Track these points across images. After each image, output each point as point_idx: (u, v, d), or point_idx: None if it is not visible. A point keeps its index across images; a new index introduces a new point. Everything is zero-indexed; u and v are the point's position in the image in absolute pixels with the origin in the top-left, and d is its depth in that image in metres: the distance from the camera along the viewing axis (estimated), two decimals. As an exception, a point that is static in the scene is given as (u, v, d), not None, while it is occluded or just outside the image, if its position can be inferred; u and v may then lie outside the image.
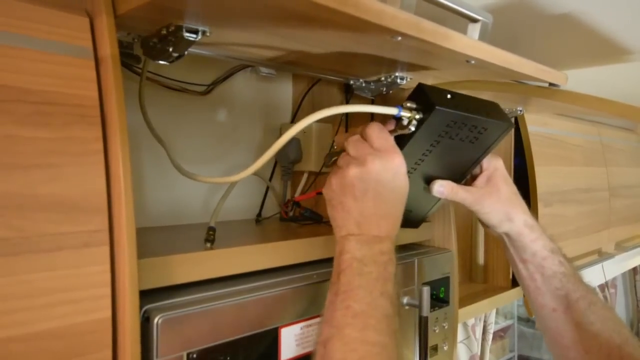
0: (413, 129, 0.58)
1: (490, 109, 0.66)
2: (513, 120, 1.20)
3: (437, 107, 0.56)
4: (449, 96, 0.60)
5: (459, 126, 0.61)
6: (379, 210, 0.56)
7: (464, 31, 0.61)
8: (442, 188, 0.68)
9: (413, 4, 0.52)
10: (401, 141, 0.60)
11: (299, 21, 0.46)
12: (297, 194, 0.94)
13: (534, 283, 0.69)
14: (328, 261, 0.65)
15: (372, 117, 0.88)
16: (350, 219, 0.55)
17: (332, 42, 0.56)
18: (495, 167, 0.70)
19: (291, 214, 0.80)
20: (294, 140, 0.92)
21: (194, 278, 0.51)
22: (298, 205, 0.79)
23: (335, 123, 0.94)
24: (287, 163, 0.92)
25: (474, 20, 0.62)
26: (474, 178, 0.71)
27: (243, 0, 0.41)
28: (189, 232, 0.72)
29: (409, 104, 0.58)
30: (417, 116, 0.58)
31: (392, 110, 0.58)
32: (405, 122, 0.58)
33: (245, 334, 0.51)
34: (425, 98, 0.58)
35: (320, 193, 0.78)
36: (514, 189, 0.71)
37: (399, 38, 0.49)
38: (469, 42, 0.55)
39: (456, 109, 0.59)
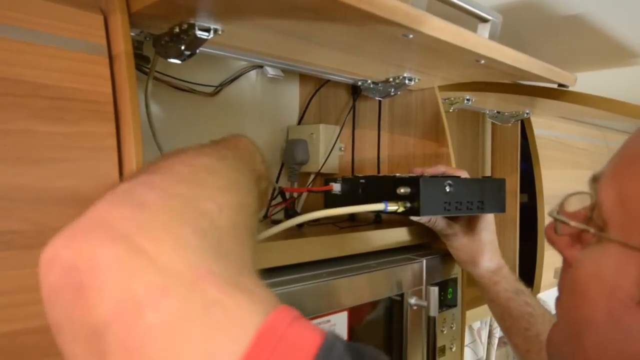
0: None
1: (490, 191, 0.67)
2: (519, 123, 1.20)
3: (421, 214, 0.59)
4: (447, 189, 0.61)
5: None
6: None
7: (473, 31, 0.61)
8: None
9: (424, 2, 0.52)
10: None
11: (311, 18, 0.46)
12: (303, 196, 0.94)
13: (504, 323, 0.70)
14: (338, 260, 0.65)
15: (380, 113, 0.89)
16: None
17: (342, 41, 0.57)
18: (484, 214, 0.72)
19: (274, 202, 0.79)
20: (301, 142, 0.92)
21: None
22: (283, 195, 0.79)
23: (342, 124, 0.94)
24: (294, 164, 0.92)
25: (484, 20, 0.62)
26: None
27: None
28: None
29: (402, 190, 0.60)
30: (405, 206, 0.60)
31: (379, 207, 0.60)
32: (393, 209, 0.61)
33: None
34: (416, 195, 0.59)
35: (311, 191, 0.79)
36: (491, 237, 0.72)
37: (411, 36, 0.49)
38: (479, 41, 0.55)
39: (447, 210, 0.61)
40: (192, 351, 0.23)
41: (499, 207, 0.68)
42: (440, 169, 0.73)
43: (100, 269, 0.25)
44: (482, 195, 0.65)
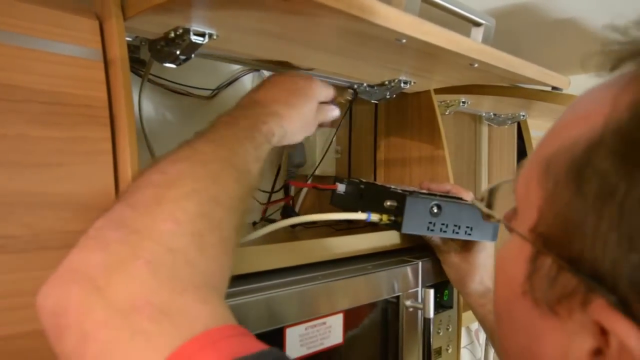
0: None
1: (480, 219, 0.66)
2: (516, 125, 1.21)
3: (402, 231, 0.60)
4: (435, 210, 0.62)
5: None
6: None
7: (467, 35, 0.62)
8: None
9: (417, 7, 0.53)
10: None
11: (304, 22, 0.47)
12: (300, 199, 0.95)
13: (494, 343, 0.71)
14: (333, 262, 0.65)
15: (376, 117, 0.89)
16: None
17: (336, 45, 0.57)
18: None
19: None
20: (298, 145, 0.92)
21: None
22: (287, 190, 0.79)
23: (337, 127, 0.94)
24: (291, 167, 0.92)
25: (477, 24, 0.62)
26: None
27: (249, 2, 0.42)
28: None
29: (389, 203, 0.61)
30: (389, 219, 0.62)
31: (361, 216, 0.62)
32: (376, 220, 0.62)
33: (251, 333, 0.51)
34: (401, 211, 0.60)
35: (316, 188, 0.80)
36: (484, 261, 0.71)
37: (404, 40, 0.50)
38: (472, 45, 0.56)
39: (430, 230, 0.62)
40: None
41: (489, 236, 0.68)
42: (446, 187, 0.73)
43: (68, 312, 0.30)
44: (472, 221, 0.65)
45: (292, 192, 0.92)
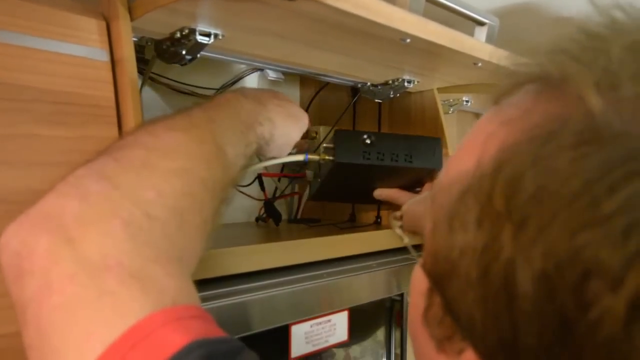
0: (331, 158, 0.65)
1: (421, 147, 0.68)
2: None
3: (337, 162, 0.63)
4: (368, 140, 0.64)
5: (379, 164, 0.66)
6: None
7: (470, 35, 0.62)
8: (378, 193, 0.75)
9: (421, 7, 0.53)
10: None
11: (309, 23, 0.47)
12: (304, 199, 0.95)
13: None
14: (338, 261, 0.65)
15: (380, 116, 0.89)
16: None
17: (340, 44, 0.57)
18: None
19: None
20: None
21: (204, 276, 0.52)
22: (262, 182, 0.82)
23: (343, 126, 0.95)
24: (295, 166, 0.92)
25: (481, 24, 0.63)
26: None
27: (255, 2, 0.42)
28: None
29: (325, 145, 0.65)
30: (327, 156, 0.64)
31: (299, 157, 0.64)
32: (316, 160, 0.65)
33: (256, 331, 0.52)
34: (334, 147, 0.63)
35: (286, 176, 0.82)
36: None
37: (408, 40, 0.50)
38: (476, 44, 0.56)
39: (367, 158, 0.64)
40: (77, 331, 0.27)
41: (433, 163, 0.69)
42: None
43: (34, 257, 0.29)
44: (411, 149, 0.67)
45: (297, 189, 0.93)
